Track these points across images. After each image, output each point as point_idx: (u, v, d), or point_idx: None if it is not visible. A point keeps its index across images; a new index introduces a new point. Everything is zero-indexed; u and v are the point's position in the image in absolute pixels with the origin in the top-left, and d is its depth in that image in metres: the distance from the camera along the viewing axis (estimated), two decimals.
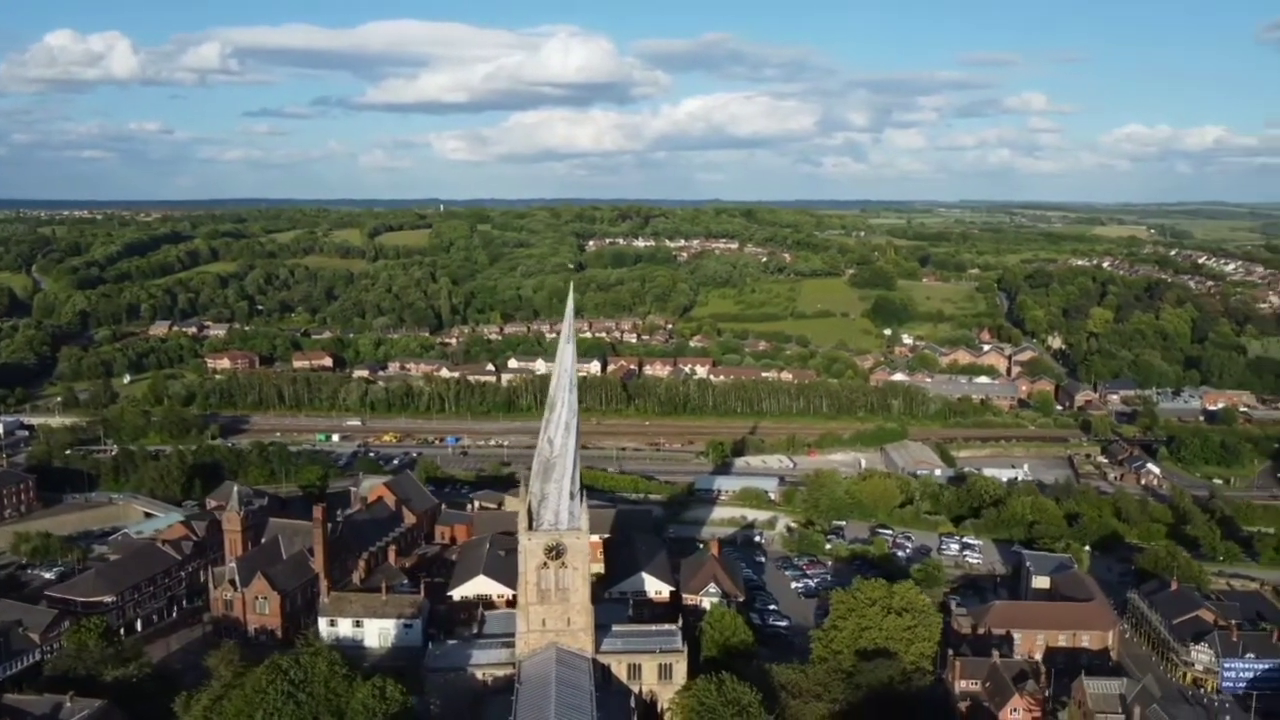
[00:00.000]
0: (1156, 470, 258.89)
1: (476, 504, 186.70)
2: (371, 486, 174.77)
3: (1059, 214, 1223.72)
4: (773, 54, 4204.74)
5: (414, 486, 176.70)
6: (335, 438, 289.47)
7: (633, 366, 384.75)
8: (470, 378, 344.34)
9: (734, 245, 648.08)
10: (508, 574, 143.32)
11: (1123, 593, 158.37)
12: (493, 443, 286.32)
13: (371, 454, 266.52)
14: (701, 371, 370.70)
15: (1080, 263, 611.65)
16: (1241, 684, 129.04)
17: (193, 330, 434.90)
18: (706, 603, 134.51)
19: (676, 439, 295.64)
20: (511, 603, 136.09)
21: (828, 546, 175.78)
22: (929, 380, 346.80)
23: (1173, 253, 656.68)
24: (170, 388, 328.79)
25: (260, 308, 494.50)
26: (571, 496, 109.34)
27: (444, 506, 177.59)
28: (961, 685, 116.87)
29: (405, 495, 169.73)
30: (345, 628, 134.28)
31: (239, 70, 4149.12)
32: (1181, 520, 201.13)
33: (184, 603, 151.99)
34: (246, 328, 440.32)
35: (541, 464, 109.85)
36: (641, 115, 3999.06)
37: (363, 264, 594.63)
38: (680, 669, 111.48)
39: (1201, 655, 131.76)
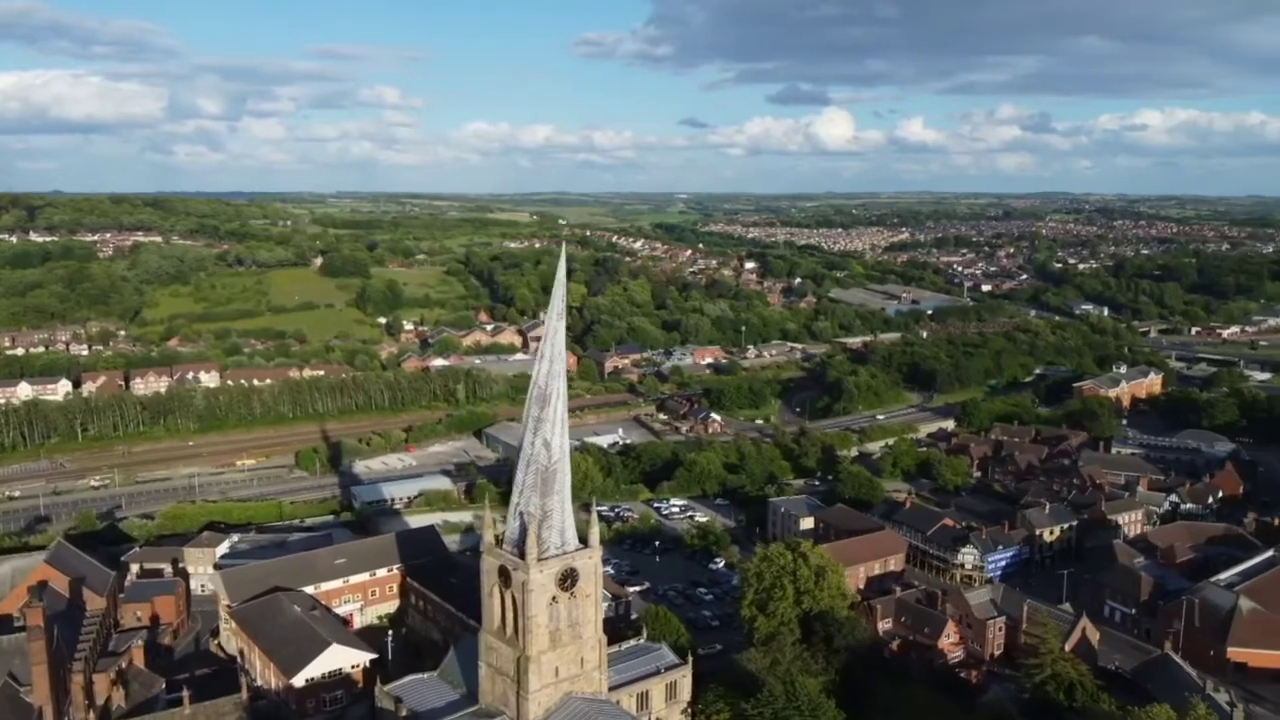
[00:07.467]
0: (718, 418, 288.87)
1: (136, 567, 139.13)
2: (19, 570, 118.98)
3: (447, 203, 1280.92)
4: (101, 28, 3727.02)
5: (82, 560, 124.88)
6: None
7: (119, 381, 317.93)
8: None
9: (157, 238, 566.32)
10: (347, 636, 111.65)
11: None
12: (18, 493, 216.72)
13: None
14: (207, 378, 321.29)
15: (514, 245, 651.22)
16: (999, 572, 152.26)
17: None
18: None
19: (246, 455, 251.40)
20: (369, 670, 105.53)
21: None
22: (478, 361, 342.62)
23: (588, 233, 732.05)
24: None
25: None
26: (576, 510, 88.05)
27: (129, 580, 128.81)
28: (883, 626, 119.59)
29: (78, 573, 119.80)
30: None
31: None
32: (792, 454, 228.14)
33: None
34: None
35: (538, 474, 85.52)
36: None
37: None
38: (685, 684, 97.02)
39: (968, 556, 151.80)
